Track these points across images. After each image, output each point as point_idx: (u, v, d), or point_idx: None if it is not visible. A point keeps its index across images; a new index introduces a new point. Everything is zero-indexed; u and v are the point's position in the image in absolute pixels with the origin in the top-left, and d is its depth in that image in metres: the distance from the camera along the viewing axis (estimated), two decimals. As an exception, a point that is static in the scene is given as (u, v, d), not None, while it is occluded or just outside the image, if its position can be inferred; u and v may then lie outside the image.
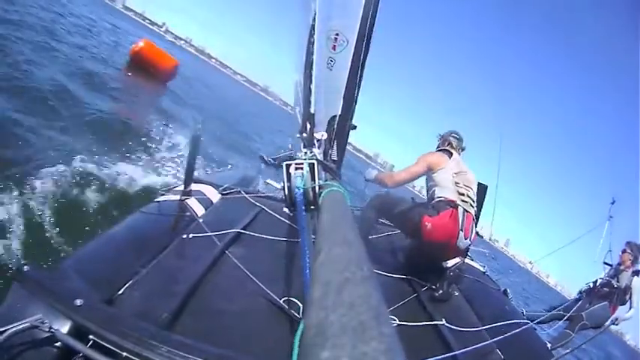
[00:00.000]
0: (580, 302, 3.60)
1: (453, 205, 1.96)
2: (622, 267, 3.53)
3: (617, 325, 3.48)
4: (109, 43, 10.48)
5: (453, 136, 2.30)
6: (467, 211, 1.99)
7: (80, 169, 3.01)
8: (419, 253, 2.13)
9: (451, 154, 2.17)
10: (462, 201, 1.99)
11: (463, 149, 2.34)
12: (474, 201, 2.09)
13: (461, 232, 1.94)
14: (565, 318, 3.50)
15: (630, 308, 3.40)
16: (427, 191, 2.18)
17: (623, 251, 3.57)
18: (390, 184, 2.18)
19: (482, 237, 2.35)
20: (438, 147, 2.34)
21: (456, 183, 2.05)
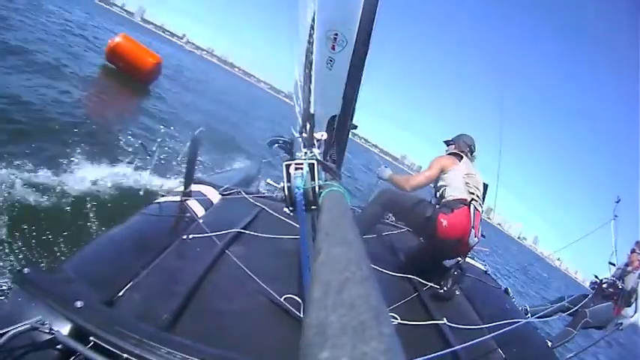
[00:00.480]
0: (588, 298, 3.40)
1: (466, 203, 2.04)
2: (629, 268, 3.31)
3: (621, 330, 3.27)
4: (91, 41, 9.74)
5: (470, 146, 2.41)
6: (477, 210, 2.06)
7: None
8: (428, 251, 2.18)
9: (461, 157, 2.27)
10: (473, 200, 2.06)
11: (474, 156, 2.44)
12: (482, 201, 2.18)
13: (472, 229, 2.00)
14: (568, 312, 3.37)
15: (635, 312, 3.21)
16: (436, 191, 2.26)
17: (632, 251, 3.35)
18: (408, 188, 2.24)
19: (484, 237, 2.35)
20: (449, 145, 2.47)
21: (467, 183, 2.13)
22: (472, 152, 2.41)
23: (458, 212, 2.02)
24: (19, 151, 3.26)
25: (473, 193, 2.11)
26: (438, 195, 2.23)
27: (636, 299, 3.18)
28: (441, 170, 2.21)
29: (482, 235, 2.28)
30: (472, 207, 2.04)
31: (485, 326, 1.69)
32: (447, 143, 2.52)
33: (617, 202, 3.62)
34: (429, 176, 2.22)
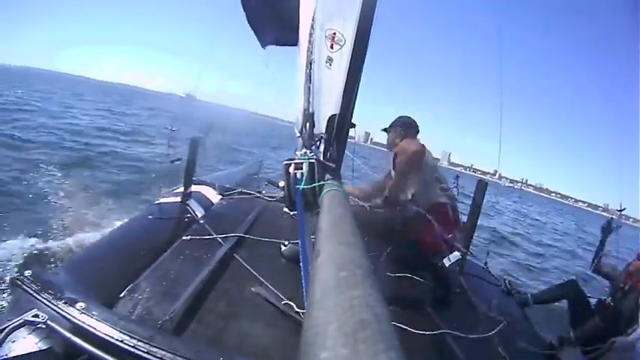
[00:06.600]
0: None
1: (444, 208, 1.86)
2: (628, 283, 2.22)
3: None
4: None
5: (411, 126, 2.04)
6: (451, 205, 1.92)
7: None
8: (417, 256, 2.00)
9: (422, 145, 1.93)
10: (446, 197, 1.90)
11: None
12: (450, 188, 2.00)
13: (455, 229, 1.91)
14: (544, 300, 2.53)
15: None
16: (405, 192, 1.90)
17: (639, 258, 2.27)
18: (388, 194, 1.90)
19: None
20: (389, 132, 2.10)
21: (438, 179, 1.91)
22: (415, 135, 2.08)
23: (439, 221, 1.79)
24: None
25: (446, 190, 1.90)
26: (409, 198, 1.89)
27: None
28: (412, 173, 1.85)
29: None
30: (450, 208, 1.86)
31: (487, 334, 1.68)
32: (388, 131, 2.10)
33: (621, 210, 2.66)
34: (407, 173, 1.86)
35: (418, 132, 2.11)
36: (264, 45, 2.68)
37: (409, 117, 2.14)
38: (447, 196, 1.92)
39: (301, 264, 0.83)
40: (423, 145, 1.94)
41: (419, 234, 1.83)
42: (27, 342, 0.86)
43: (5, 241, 2.78)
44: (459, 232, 1.96)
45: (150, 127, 12.50)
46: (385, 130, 2.14)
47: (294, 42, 2.43)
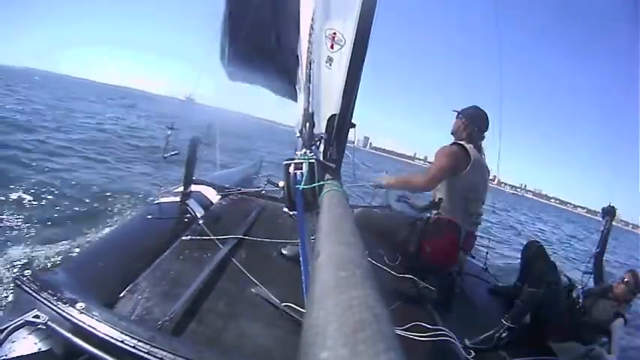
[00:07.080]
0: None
1: (456, 229, 1.76)
2: (610, 295, 2.28)
3: None
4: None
5: (478, 126, 1.85)
6: (469, 230, 1.82)
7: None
8: (415, 266, 1.97)
9: (468, 153, 1.76)
10: (466, 222, 1.78)
11: (483, 137, 1.92)
12: (480, 214, 1.86)
13: (461, 251, 1.84)
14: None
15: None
16: (433, 197, 1.85)
17: (623, 281, 2.29)
18: (424, 183, 1.76)
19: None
20: (454, 132, 1.94)
21: (467, 199, 1.76)
22: (483, 131, 1.90)
23: (445, 238, 1.75)
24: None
25: (472, 214, 1.78)
26: (435, 201, 1.83)
27: (610, 342, 2.07)
28: (448, 170, 1.76)
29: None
30: (463, 231, 1.77)
31: (487, 335, 1.68)
32: (457, 116, 1.96)
33: (609, 211, 2.52)
34: (443, 168, 1.75)
35: (486, 128, 1.91)
36: (232, 78, 2.77)
37: (481, 110, 1.94)
38: (469, 222, 1.80)
39: (301, 264, 0.83)
40: (467, 154, 1.76)
41: (424, 240, 1.78)
42: (27, 342, 0.86)
43: None
44: (464, 253, 1.90)
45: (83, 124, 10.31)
46: (456, 112, 1.97)
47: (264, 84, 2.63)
